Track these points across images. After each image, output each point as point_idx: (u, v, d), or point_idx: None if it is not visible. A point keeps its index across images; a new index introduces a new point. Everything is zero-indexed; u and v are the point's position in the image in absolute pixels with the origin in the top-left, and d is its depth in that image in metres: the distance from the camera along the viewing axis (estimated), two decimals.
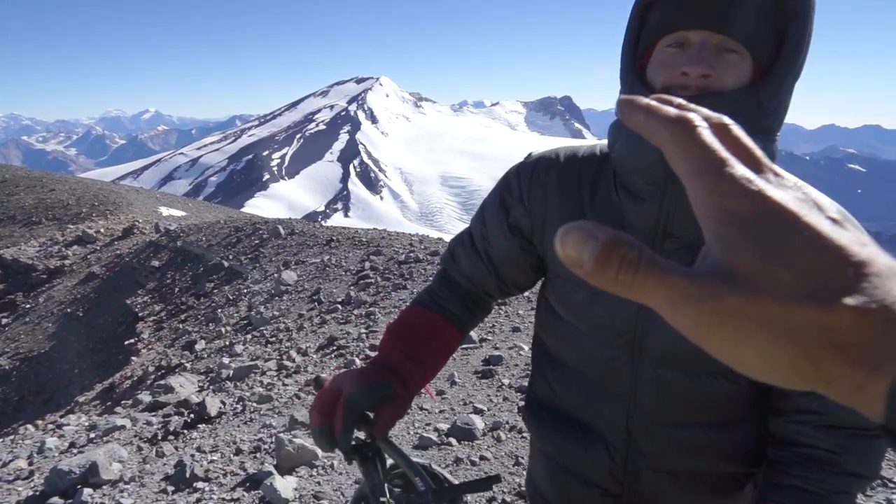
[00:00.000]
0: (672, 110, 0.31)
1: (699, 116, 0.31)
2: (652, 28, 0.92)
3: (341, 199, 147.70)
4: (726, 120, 0.31)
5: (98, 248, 14.86)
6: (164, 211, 18.71)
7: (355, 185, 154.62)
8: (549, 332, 1.12)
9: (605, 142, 1.03)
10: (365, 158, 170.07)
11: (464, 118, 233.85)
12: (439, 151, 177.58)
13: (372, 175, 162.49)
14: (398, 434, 3.52)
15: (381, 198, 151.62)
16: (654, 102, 0.32)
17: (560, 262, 0.92)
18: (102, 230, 15.87)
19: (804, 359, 0.27)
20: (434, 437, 3.40)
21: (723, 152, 0.29)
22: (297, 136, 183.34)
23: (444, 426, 3.54)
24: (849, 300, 0.26)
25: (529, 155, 1.13)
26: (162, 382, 5.16)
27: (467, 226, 1.20)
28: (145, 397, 4.90)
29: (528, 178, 1.07)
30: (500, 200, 1.11)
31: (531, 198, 1.06)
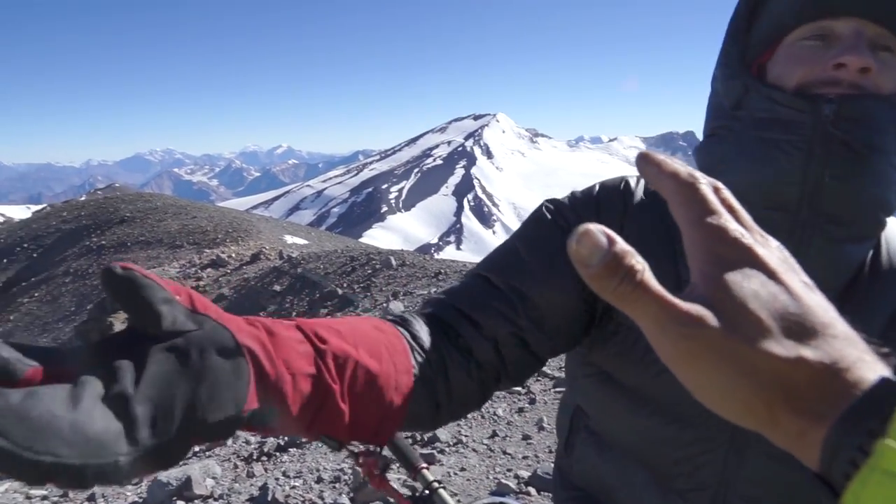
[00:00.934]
0: (679, 166, 0.34)
1: (702, 175, 0.34)
2: (776, 17, 0.75)
3: (454, 231, 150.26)
4: (720, 184, 0.35)
5: (229, 271, 16.02)
6: (289, 239, 19.89)
7: (468, 219, 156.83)
8: (596, 404, 0.88)
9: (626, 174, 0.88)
10: (479, 193, 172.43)
11: (580, 154, 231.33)
12: (554, 187, 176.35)
13: (485, 209, 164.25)
14: (476, 477, 3.44)
15: (494, 232, 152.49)
16: (664, 158, 0.35)
17: None
18: (234, 255, 17.12)
19: (759, 399, 0.29)
20: (513, 483, 3.30)
21: (719, 207, 0.34)
22: (415, 170, 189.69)
23: (525, 473, 3.42)
24: (808, 354, 0.29)
25: (553, 200, 0.88)
26: None
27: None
28: None
29: (590, 198, 0.85)
30: (551, 226, 0.82)
31: (603, 219, 0.80)
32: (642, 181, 0.86)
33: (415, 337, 0.69)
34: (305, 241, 19.86)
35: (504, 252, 0.83)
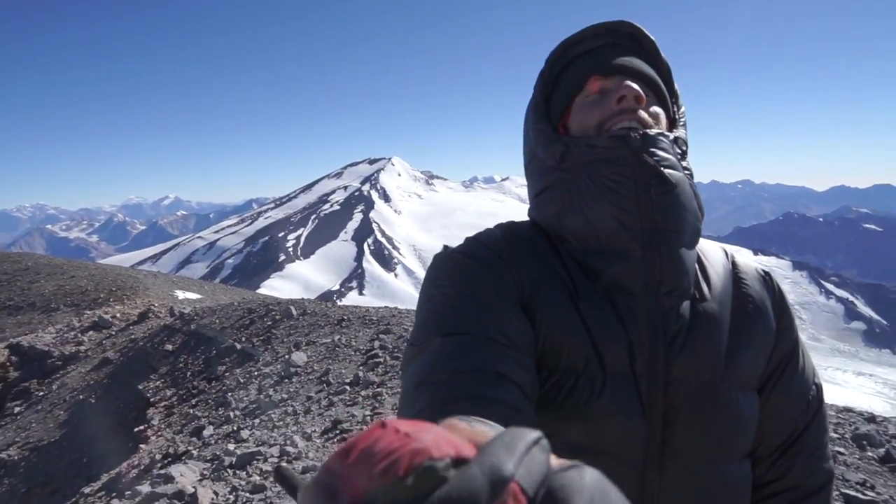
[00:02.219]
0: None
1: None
2: (566, 90, 0.98)
3: (356, 277, 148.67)
4: None
5: (113, 332, 14.96)
6: (180, 294, 18.91)
7: (369, 263, 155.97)
8: None
9: (517, 220, 1.02)
10: (379, 236, 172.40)
11: (475, 194, 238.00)
12: (452, 227, 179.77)
13: (386, 252, 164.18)
14: None
15: (396, 275, 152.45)
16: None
17: (548, 351, 0.84)
18: (118, 315, 16.03)
19: None
20: None
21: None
22: (312, 217, 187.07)
23: None
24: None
25: (445, 247, 0.96)
26: (163, 472, 5.07)
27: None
28: (145, 488, 4.81)
29: (490, 253, 0.92)
30: (475, 267, 0.89)
31: (516, 262, 0.91)
32: (514, 228, 0.99)
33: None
34: (198, 296, 18.96)
35: (460, 307, 0.83)
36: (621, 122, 0.91)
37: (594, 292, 0.89)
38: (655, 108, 0.95)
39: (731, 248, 1.08)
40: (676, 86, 1.01)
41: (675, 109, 1.00)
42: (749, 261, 1.05)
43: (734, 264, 1.02)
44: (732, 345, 0.92)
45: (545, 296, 0.88)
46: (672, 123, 0.99)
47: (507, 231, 0.97)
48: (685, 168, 0.93)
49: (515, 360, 0.78)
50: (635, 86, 0.91)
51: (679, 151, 0.93)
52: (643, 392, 0.86)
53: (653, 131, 0.90)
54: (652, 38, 0.99)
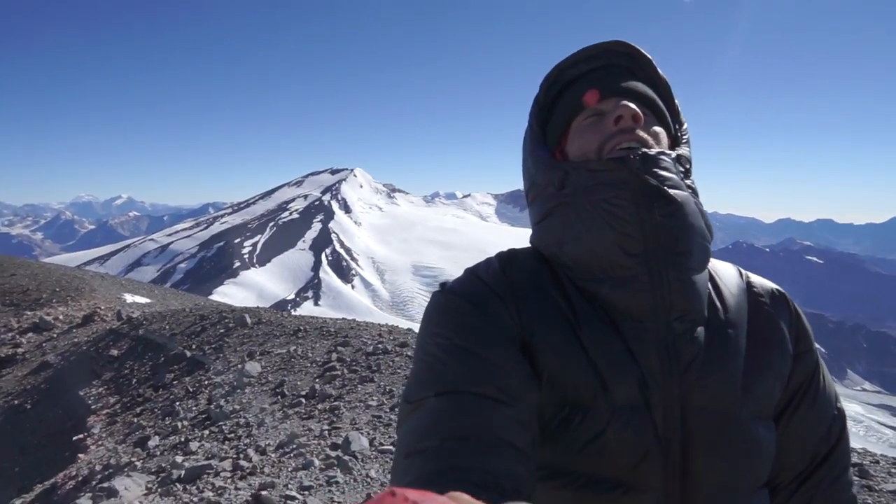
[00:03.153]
0: None
1: None
2: (562, 115, 0.96)
3: (312, 287, 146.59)
4: None
5: (55, 335, 14.30)
6: (129, 298, 18.25)
7: (327, 274, 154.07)
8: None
9: (512, 245, 1.00)
10: (337, 247, 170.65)
11: (436, 209, 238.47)
12: (412, 241, 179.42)
13: (344, 264, 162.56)
14: None
15: (353, 286, 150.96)
16: None
17: (552, 386, 0.82)
18: (61, 317, 15.35)
19: None
20: None
21: None
22: (270, 224, 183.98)
23: None
24: None
25: (444, 284, 0.93)
26: (105, 485, 4.81)
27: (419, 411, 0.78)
28: (84, 502, 4.56)
29: (484, 290, 0.89)
30: (473, 312, 0.86)
31: (515, 298, 0.88)
32: (514, 258, 0.95)
33: None
34: (148, 300, 18.33)
35: (455, 361, 0.80)
36: (620, 144, 0.89)
37: (599, 322, 0.86)
38: (655, 128, 0.93)
39: (745, 270, 1.04)
40: (677, 102, 0.99)
41: (677, 127, 0.98)
42: (765, 281, 1.01)
43: (749, 284, 0.99)
44: (750, 370, 0.88)
45: (545, 331, 0.86)
46: (674, 142, 0.96)
47: (507, 262, 0.94)
48: (689, 186, 0.90)
49: (514, 419, 0.75)
50: (632, 105, 0.90)
51: (682, 170, 0.91)
52: (658, 423, 0.83)
53: (653, 151, 0.88)
54: (648, 56, 0.97)
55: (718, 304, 0.92)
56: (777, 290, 1.00)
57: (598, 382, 0.83)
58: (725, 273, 0.98)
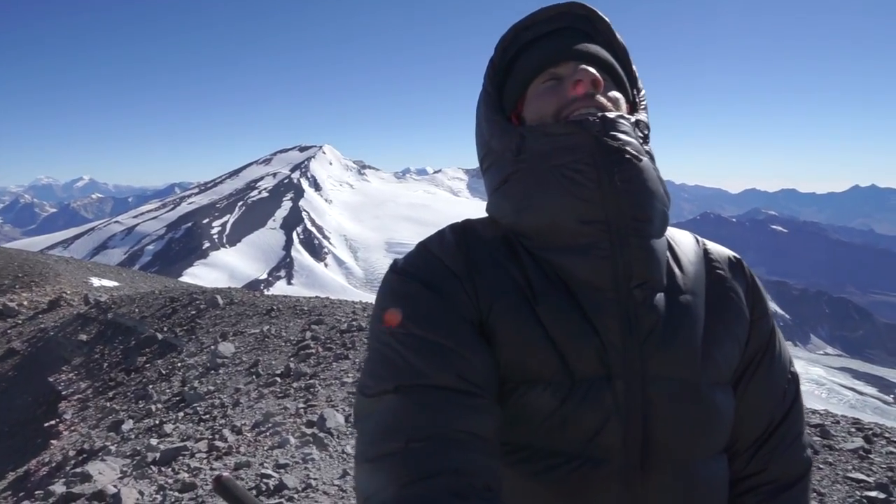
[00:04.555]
0: None
1: None
2: (518, 78, 0.94)
3: (284, 266, 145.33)
4: None
5: (20, 322, 14.01)
6: (96, 281, 17.91)
7: (299, 253, 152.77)
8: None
9: (475, 217, 0.98)
10: (308, 225, 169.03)
11: (407, 185, 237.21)
12: (384, 218, 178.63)
13: (316, 242, 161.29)
14: None
15: (326, 265, 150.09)
16: None
17: (509, 362, 0.82)
18: (26, 303, 15.02)
19: None
20: None
21: None
22: (239, 203, 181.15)
23: None
24: None
25: (396, 263, 0.89)
26: (79, 470, 4.79)
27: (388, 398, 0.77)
28: (59, 488, 4.53)
29: (442, 264, 0.86)
30: (455, 307, 0.83)
31: (470, 273, 0.86)
32: (468, 229, 0.92)
33: None
34: (116, 283, 18.02)
35: (410, 351, 0.78)
36: (579, 109, 0.86)
37: (557, 294, 0.84)
38: (614, 93, 0.91)
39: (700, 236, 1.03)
40: (634, 67, 0.97)
41: (635, 93, 0.96)
42: (721, 248, 1.01)
43: (706, 251, 0.98)
44: (708, 338, 0.88)
45: (502, 307, 0.83)
46: (633, 108, 0.95)
47: (462, 234, 0.90)
48: (647, 152, 0.88)
49: (477, 409, 0.75)
50: (592, 70, 0.87)
51: (641, 135, 0.89)
52: (618, 394, 0.81)
53: (612, 114, 0.86)
54: (606, 19, 0.95)
55: (677, 271, 0.90)
56: (734, 256, 1.00)
57: (556, 356, 0.81)
58: (682, 241, 0.97)
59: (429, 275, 0.85)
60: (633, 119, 0.89)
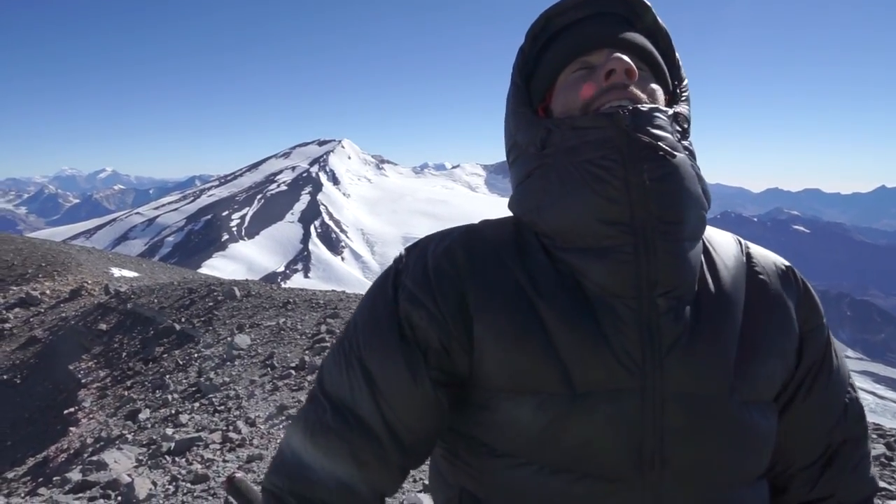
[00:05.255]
0: None
1: None
2: (548, 68, 0.88)
3: (301, 259, 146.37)
4: None
5: (42, 310, 14.23)
6: (116, 272, 18.15)
7: (316, 246, 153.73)
8: (477, 480, 0.83)
9: (493, 213, 0.93)
10: (326, 219, 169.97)
11: (425, 180, 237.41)
12: (401, 212, 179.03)
13: (333, 236, 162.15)
14: None
15: (343, 258, 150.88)
16: None
17: (499, 371, 0.77)
18: (48, 292, 15.25)
19: None
20: None
21: None
22: (258, 196, 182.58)
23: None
24: None
25: (401, 255, 0.89)
26: (95, 458, 4.84)
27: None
28: (75, 475, 4.58)
29: (424, 272, 0.83)
30: (387, 328, 0.81)
31: (441, 296, 0.80)
32: (479, 228, 0.88)
33: None
34: (136, 274, 18.24)
35: (353, 372, 0.82)
36: (610, 101, 0.80)
37: (568, 299, 0.78)
38: (651, 85, 0.84)
39: (745, 240, 0.94)
40: (678, 55, 0.89)
41: (677, 84, 0.88)
42: (768, 253, 0.92)
43: (749, 256, 0.89)
44: (744, 352, 0.79)
45: (499, 311, 0.78)
46: (672, 99, 0.87)
47: (467, 236, 0.86)
48: (686, 148, 0.81)
49: (378, 457, 0.79)
50: (626, 58, 0.80)
51: (679, 129, 0.82)
52: (630, 411, 0.75)
53: (646, 107, 0.79)
54: (647, 2, 0.87)
55: (710, 278, 0.82)
56: (782, 264, 0.91)
57: (558, 365, 0.76)
58: (722, 244, 0.89)
59: (403, 285, 0.83)
60: (670, 112, 0.81)
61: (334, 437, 0.79)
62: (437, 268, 0.82)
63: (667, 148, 0.77)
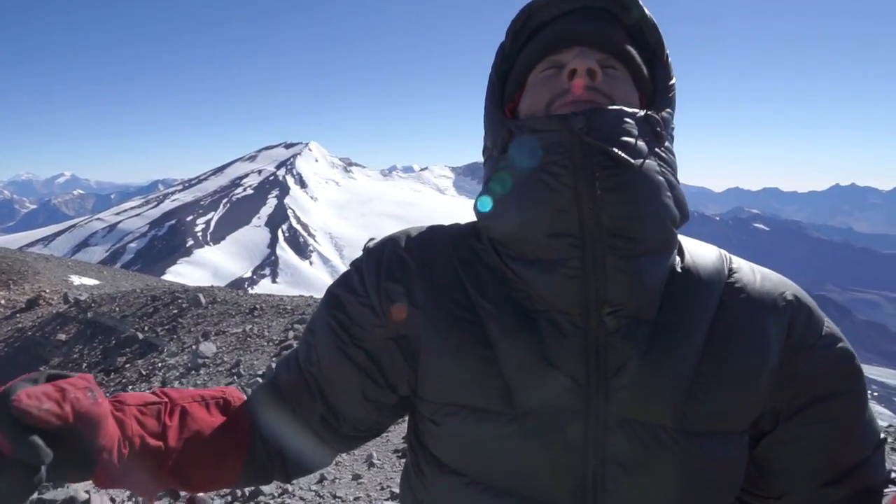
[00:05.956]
0: None
1: None
2: (519, 67, 0.84)
3: (269, 264, 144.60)
4: None
5: None
6: (76, 280, 17.64)
7: (284, 251, 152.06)
8: (432, 496, 0.81)
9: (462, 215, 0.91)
10: (294, 223, 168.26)
11: (393, 183, 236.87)
12: (369, 216, 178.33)
13: (301, 240, 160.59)
14: None
15: (311, 262, 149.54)
16: None
17: (441, 383, 0.76)
18: (3, 302, 14.75)
19: None
20: None
21: None
22: (224, 200, 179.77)
23: None
24: None
25: (366, 247, 0.89)
26: None
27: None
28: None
29: (376, 272, 0.82)
30: (330, 323, 0.84)
31: (385, 298, 0.80)
32: (433, 234, 0.87)
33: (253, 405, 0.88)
34: (96, 282, 17.76)
35: (305, 376, 0.87)
36: (569, 101, 0.75)
37: (515, 314, 0.74)
38: (623, 84, 0.79)
39: (738, 258, 0.86)
40: (668, 52, 0.83)
41: (664, 83, 0.82)
42: (755, 270, 0.84)
43: (731, 272, 0.82)
44: (702, 378, 0.73)
45: (441, 325, 0.76)
46: (650, 101, 0.81)
47: (417, 243, 0.84)
48: (658, 154, 0.74)
49: (306, 395, 0.86)
50: (587, 59, 0.75)
51: (651, 133, 0.75)
52: (570, 434, 0.71)
53: (608, 108, 0.73)
54: None
55: (677, 296, 0.76)
56: (782, 292, 0.82)
57: (500, 384, 0.73)
58: (700, 259, 0.81)
59: (346, 295, 0.85)
60: (640, 113, 0.75)
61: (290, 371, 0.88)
62: (388, 271, 0.82)
63: (621, 154, 0.71)
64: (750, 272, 0.83)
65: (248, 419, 0.85)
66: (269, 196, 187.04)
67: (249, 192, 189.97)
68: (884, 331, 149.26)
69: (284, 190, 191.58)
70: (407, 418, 0.90)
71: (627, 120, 0.73)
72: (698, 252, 0.83)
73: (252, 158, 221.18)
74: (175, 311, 10.41)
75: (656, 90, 0.82)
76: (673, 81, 0.83)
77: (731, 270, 0.82)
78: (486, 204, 0.79)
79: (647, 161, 0.72)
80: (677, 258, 0.79)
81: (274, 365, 6.57)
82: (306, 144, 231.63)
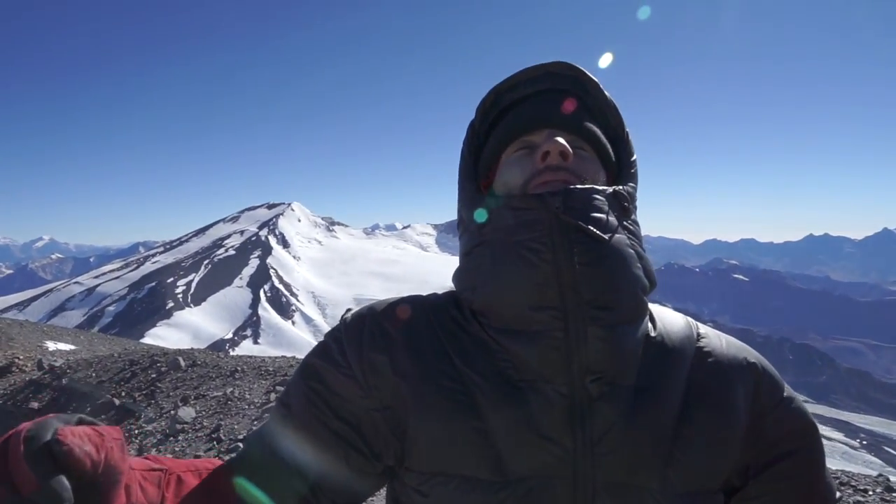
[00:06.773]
0: None
1: None
2: (492, 146, 0.89)
3: (251, 325, 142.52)
4: None
5: None
6: (51, 345, 17.24)
7: (266, 311, 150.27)
8: None
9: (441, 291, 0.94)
10: (276, 283, 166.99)
11: (376, 241, 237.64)
12: (352, 274, 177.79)
13: (283, 300, 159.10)
14: None
15: (293, 322, 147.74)
16: None
17: (430, 452, 0.76)
18: None
19: None
20: None
21: None
22: (205, 261, 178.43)
23: None
24: None
25: (344, 319, 0.89)
26: None
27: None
28: None
29: (358, 343, 0.83)
30: (309, 395, 0.83)
31: (369, 369, 0.81)
32: (418, 306, 0.88)
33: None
34: (73, 347, 17.37)
35: (283, 447, 0.85)
36: (545, 181, 0.81)
37: (501, 384, 0.77)
38: (590, 164, 0.84)
39: (703, 325, 0.92)
40: (628, 130, 0.90)
41: (627, 159, 0.89)
42: (720, 336, 0.90)
43: (699, 338, 0.87)
44: (681, 441, 0.77)
45: (430, 397, 0.77)
46: (615, 177, 0.88)
47: (404, 309, 0.86)
48: (626, 227, 0.80)
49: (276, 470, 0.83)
50: (562, 140, 0.81)
51: (620, 209, 0.80)
52: (560, 500, 0.73)
53: (580, 188, 0.78)
54: (595, 79, 0.89)
55: (652, 362, 0.80)
56: (745, 357, 0.88)
57: (491, 453, 0.75)
58: (670, 326, 0.86)
59: (327, 370, 0.84)
60: (609, 191, 0.80)
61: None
62: (372, 341, 0.83)
63: (596, 231, 0.75)
64: (716, 337, 0.89)
65: (237, 493, 0.83)
66: (252, 256, 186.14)
67: (231, 252, 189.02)
68: (868, 378, 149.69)
69: (267, 250, 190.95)
70: (385, 491, 0.89)
71: (598, 197, 0.78)
72: (668, 319, 0.88)
73: (234, 219, 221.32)
74: (154, 376, 10.19)
75: (620, 166, 0.89)
76: (634, 158, 0.89)
77: (699, 336, 0.88)
78: (469, 276, 0.84)
79: (617, 235, 0.77)
80: (649, 325, 0.83)
81: (256, 429, 6.41)
82: (289, 205, 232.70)
